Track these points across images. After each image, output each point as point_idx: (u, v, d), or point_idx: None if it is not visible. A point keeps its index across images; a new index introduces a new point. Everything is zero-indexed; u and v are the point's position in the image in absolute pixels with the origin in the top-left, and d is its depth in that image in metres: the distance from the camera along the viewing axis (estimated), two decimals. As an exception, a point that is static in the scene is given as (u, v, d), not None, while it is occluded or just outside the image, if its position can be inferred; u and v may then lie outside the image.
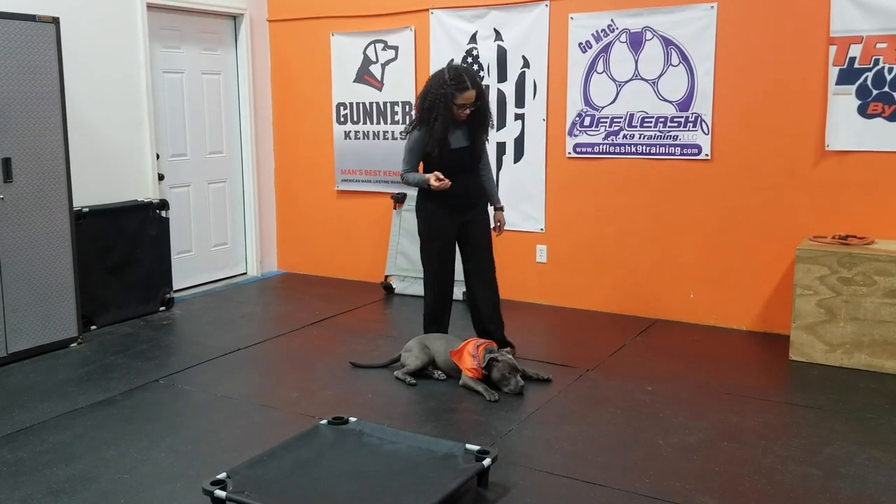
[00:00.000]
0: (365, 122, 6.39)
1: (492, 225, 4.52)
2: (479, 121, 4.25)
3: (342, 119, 6.49)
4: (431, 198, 4.26)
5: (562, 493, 2.97)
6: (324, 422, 3.34)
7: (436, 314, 4.44)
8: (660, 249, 5.32)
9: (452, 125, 4.18)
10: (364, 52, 6.29)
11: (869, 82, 4.54)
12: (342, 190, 6.59)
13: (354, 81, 6.38)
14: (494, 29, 5.72)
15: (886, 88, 4.49)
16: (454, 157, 4.23)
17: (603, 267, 5.54)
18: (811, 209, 4.78)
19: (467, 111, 4.12)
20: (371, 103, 6.33)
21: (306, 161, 6.75)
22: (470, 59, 5.84)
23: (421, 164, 4.31)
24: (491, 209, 4.52)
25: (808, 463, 3.19)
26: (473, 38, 5.82)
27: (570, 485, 3.02)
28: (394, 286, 6.17)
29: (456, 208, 4.30)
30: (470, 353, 4.05)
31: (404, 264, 6.17)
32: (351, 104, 6.43)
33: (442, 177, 4.07)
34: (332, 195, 6.65)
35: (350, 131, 6.47)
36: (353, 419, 3.36)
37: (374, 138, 6.36)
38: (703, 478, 3.07)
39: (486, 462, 2.95)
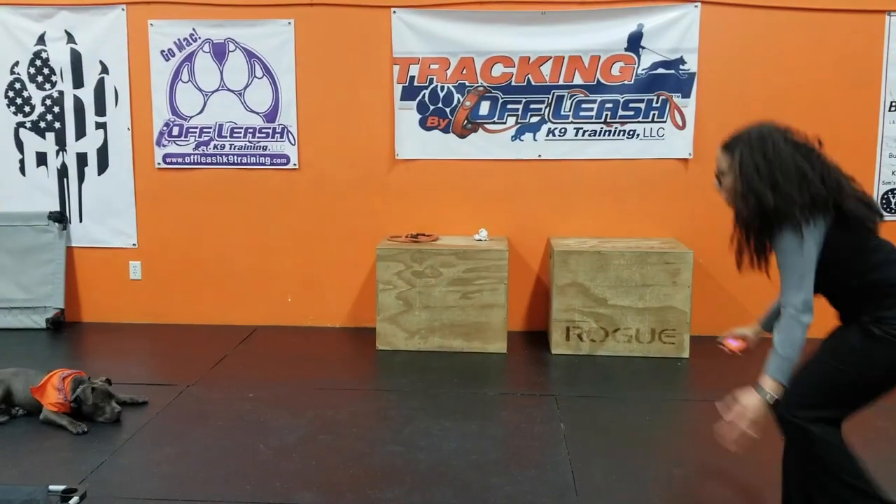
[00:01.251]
0: None
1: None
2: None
3: None
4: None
5: (159, 517, 2.90)
6: None
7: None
8: (257, 257, 5.43)
9: None
10: None
11: (427, 99, 5.19)
12: None
13: None
14: (66, 31, 5.29)
15: (440, 104, 5.18)
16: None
17: (202, 279, 5.48)
18: (387, 212, 5.31)
19: (719, 187, 2.55)
20: (-89, 108, 5.38)
21: None
22: (39, 62, 5.31)
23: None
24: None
25: (394, 441, 3.56)
26: (42, 40, 5.31)
27: (169, 507, 2.97)
28: (-43, 320, 5.34)
29: None
30: (55, 387, 3.72)
31: (-30, 293, 5.37)
32: None
33: None
34: None
35: None
36: None
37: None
38: (302, 474, 3.24)
39: (73, 501, 2.75)
